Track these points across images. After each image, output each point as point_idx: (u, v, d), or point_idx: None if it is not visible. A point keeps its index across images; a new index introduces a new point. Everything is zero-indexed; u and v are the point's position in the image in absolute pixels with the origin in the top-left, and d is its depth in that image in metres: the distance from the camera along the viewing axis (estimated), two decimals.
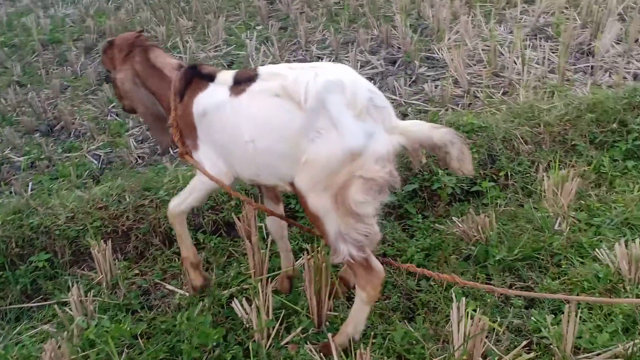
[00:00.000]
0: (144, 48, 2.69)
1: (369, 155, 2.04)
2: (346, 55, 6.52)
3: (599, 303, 2.50)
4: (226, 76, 2.41)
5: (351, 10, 7.80)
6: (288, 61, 6.40)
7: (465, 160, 2.13)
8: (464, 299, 2.32)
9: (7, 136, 5.27)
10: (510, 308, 2.61)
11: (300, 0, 8.52)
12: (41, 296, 3.08)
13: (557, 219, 3.04)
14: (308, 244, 3.15)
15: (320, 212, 2.17)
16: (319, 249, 2.57)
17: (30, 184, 4.49)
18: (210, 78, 2.45)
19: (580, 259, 2.79)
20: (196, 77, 2.50)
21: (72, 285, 2.83)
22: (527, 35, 6.22)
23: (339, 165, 2.06)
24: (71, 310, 2.76)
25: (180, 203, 2.65)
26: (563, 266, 2.78)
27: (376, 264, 2.28)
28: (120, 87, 2.74)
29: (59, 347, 2.34)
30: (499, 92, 5.14)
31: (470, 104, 5.03)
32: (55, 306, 2.77)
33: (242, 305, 2.68)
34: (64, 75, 6.82)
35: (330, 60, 6.45)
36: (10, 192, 4.35)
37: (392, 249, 3.08)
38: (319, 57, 6.58)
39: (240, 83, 2.31)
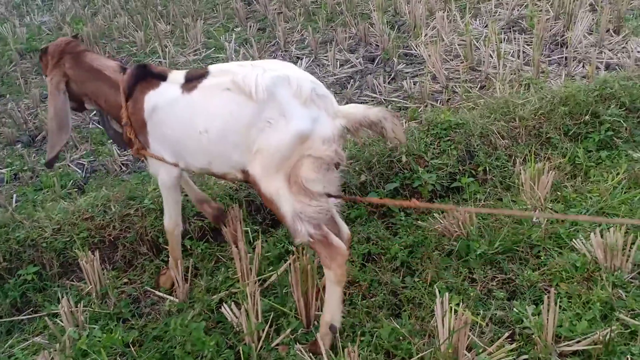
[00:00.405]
0: (75, 54, 2.84)
1: (316, 137, 2.28)
2: (325, 54, 6.58)
3: None
4: (178, 75, 2.61)
5: (329, 9, 7.84)
6: None
7: (398, 132, 2.39)
8: (447, 294, 2.40)
9: None
10: (493, 300, 2.69)
11: (277, 0, 8.54)
12: (31, 309, 3.09)
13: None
14: (294, 246, 3.21)
15: (274, 195, 2.36)
16: (304, 251, 2.63)
17: (14, 195, 4.46)
18: (162, 77, 2.63)
19: (559, 250, 2.88)
20: (147, 76, 2.67)
21: (62, 297, 2.85)
22: (502, 29, 6.32)
23: (289, 150, 2.29)
24: (62, 322, 2.78)
25: (168, 217, 2.88)
26: (542, 257, 2.87)
27: (337, 241, 2.42)
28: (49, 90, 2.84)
29: (52, 359, 2.37)
30: (476, 87, 5.22)
31: (449, 99, 5.11)
32: (46, 318, 2.79)
33: (231, 309, 2.73)
34: (43, 84, 6.77)
35: (309, 60, 6.50)
36: None
37: (377, 247, 3.14)
38: (298, 58, 6.62)
39: (192, 80, 2.52)
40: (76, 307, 2.81)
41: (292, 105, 2.29)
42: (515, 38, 5.98)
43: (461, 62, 5.79)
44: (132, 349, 2.66)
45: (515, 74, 5.16)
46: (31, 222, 3.31)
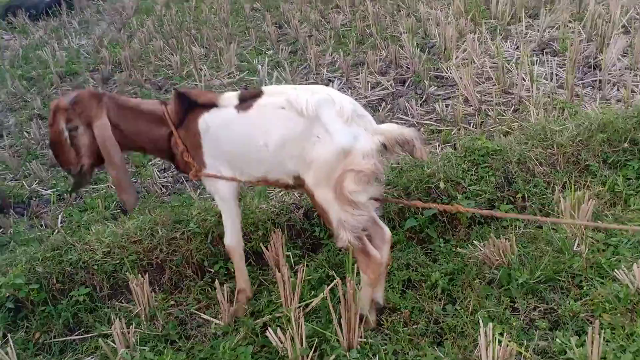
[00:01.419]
0: (110, 96, 2.96)
1: (357, 152, 2.56)
2: (356, 77, 6.68)
3: None
4: (230, 97, 2.84)
5: (358, 32, 7.95)
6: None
7: (424, 151, 2.69)
8: (490, 324, 2.43)
9: (34, 170, 5.44)
10: (535, 330, 2.72)
11: (308, 24, 8.71)
12: (83, 329, 3.21)
13: (575, 240, 3.15)
14: (334, 270, 3.28)
15: (324, 204, 2.65)
16: (349, 277, 2.70)
17: (59, 216, 4.64)
18: (212, 105, 2.84)
19: (600, 280, 2.90)
20: (196, 106, 2.86)
21: (113, 318, 2.97)
22: (534, 51, 6.34)
23: (335, 162, 2.57)
24: (113, 343, 2.89)
25: (230, 234, 3.03)
26: (584, 287, 2.88)
27: (374, 252, 2.73)
28: (98, 136, 2.80)
29: None
30: (509, 110, 5.25)
31: (482, 122, 5.15)
32: (100, 339, 2.90)
33: (276, 334, 2.80)
34: None
35: (341, 83, 6.61)
36: (42, 225, 4.50)
37: (417, 274, 3.19)
38: (329, 80, 6.74)
39: (246, 100, 2.78)
40: (128, 328, 2.91)
41: (335, 123, 2.58)
42: (547, 60, 6.00)
43: (493, 85, 5.82)
44: None
45: (549, 97, 5.17)
46: (82, 244, 3.45)
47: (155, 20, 10.26)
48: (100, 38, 9.62)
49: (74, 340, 3.16)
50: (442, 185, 3.59)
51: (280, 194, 3.94)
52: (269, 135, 2.69)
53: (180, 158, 2.92)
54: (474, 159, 3.75)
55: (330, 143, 2.56)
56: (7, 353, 2.75)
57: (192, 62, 7.59)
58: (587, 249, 3.03)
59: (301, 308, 2.91)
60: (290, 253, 3.42)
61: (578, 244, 3.12)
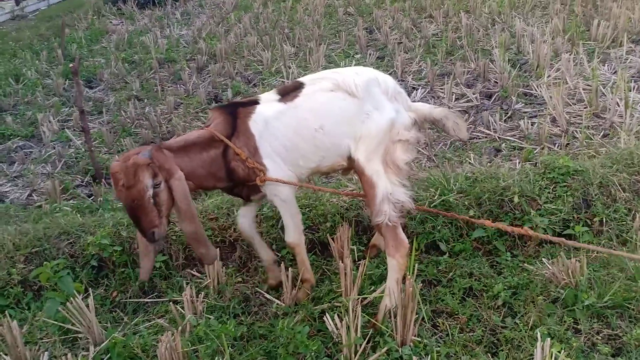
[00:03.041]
0: (165, 145, 2.80)
1: (399, 125, 2.87)
2: (441, 87, 6.66)
3: None
4: (268, 95, 2.96)
5: (449, 43, 7.92)
6: None
7: (461, 129, 3.02)
8: (549, 339, 2.40)
9: (127, 146, 5.86)
10: (596, 354, 2.64)
11: (398, 31, 8.77)
12: (156, 293, 3.45)
13: None
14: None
15: (374, 177, 2.82)
16: (409, 276, 2.74)
17: None
18: (255, 102, 2.91)
19: None
20: (240, 106, 2.92)
21: (184, 286, 3.18)
22: (633, 77, 6.07)
23: (384, 135, 2.82)
24: (182, 308, 3.09)
25: (293, 231, 3.06)
26: None
27: (403, 236, 2.88)
28: (177, 191, 2.65)
29: (174, 339, 2.65)
30: (599, 135, 5.07)
31: (567, 144, 5.00)
32: (170, 303, 3.11)
33: (333, 320, 2.90)
34: (178, 92, 7.44)
35: (425, 92, 6.61)
36: None
37: (479, 283, 3.18)
38: (413, 88, 6.77)
39: (289, 93, 2.90)
40: (197, 297, 3.11)
41: (382, 100, 2.86)
42: None
43: (584, 107, 5.64)
44: (241, 342, 2.90)
45: None
46: None
47: (252, 17, 10.70)
48: (199, 30, 10.16)
49: (147, 302, 3.40)
50: (516, 199, 3.54)
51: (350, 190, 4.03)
52: (323, 118, 2.83)
53: (244, 168, 2.84)
54: (553, 177, 3.67)
55: (380, 118, 2.82)
56: (87, 306, 3.01)
57: (282, 60, 7.86)
58: None
59: (359, 300, 2.98)
60: (355, 247, 3.51)
61: None
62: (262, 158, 2.86)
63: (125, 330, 3.13)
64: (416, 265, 2.88)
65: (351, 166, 2.95)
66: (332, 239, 3.44)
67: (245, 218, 3.24)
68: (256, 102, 2.92)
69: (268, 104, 2.89)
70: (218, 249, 3.44)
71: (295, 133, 2.85)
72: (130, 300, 3.40)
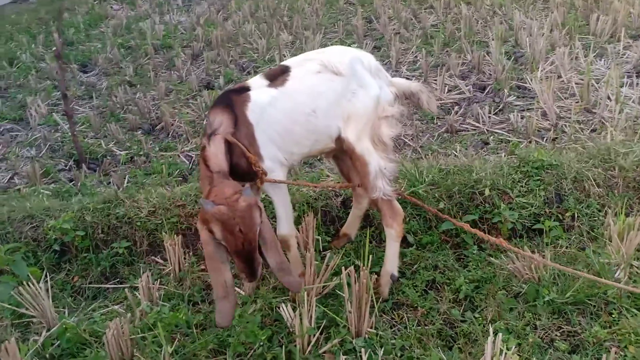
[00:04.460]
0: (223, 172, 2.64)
1: (384, 101, 2.91)
2: (435, 78, 6.55)
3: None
4: (257, 81, 2.85)
5: (447, 34, 7.79)
6: None
7: (432, 103, 3.11)
8: (500, 334, 2.34)
9: (113, 131, 5.83)
10: (553, 350, 2.57)
11: (398, 21, 8.65)
12: (117, 279, 3.43)
13: (617, 268, 2.93)
14: (360, 260, 3.26)
15: (366, 154, 2.84)
16: (363, 266, 2.69)
17: (127, 177, 4.95)
18: (246, 89, 2.79)
19: (635, 311, 2.68)
20: (233, 94, 2.78)
21: (144, 273, 3.14)
22: (627, 72, 5.92)
23: (371, 112, 2.85)
24: (139, 295, 3.06)
25: (286, 220, 2.90)
26: (615, 315, 2.68)
27: (398, 206, 2.98)
28: (265, 222, 2.53)
29: (122, 326, 2.63)
30: (587, 130, 4.95)
31: (555, 138, 4.90)
32: (127, 290, 3.08)
33: (288, 311, 2.85)
34: (170, 79, 7.39)
35: (418, 82, 6.46)
36: (109, 183, 4.83)
37: (443, 276, 3.12)
38: (407, 78, 6.63)
39: (277, 77, 2.83)
40: (154, 283, 3.07)
41: (366, 77, 2.87)
42: (638, 84, 5.58)
43: (576, 102, 5.51)
44: (195, 331, 2.86)
45: (633, 121, 4.82)
46: (131, 201, 3.67)
47: (252, 4, 10.61)
48: (198, 17, 10.10)
49: (107, 288, 3.38)
50: (487, 192, 3.46)
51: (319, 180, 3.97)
52: (315, 100, 2.79)
53: (247, 163, 2.68)
54: (527, 170, 3.58)
55: (366, 95, 2.83)
56: (47, 290, 2.98)
57: (278, 48, 7.78)
58: (628, 277, 2.82)
59: (315, 290, 2.93)
60: (320, 238, 3.45)
61: (619, 272, 2.90)
62: (260, 148, 2.74)
63: (81, 316, 3.11)
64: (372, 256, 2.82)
65: (339, 147, 2.91)
66: (297, 228, 3.38)
67: None
68: (247, 89, 2.78)
69: (260, 90, 2.76)
70: (182, 236, 3.42)
71: (289, 119, 2.77)
72: (91, 285, 3.38)
